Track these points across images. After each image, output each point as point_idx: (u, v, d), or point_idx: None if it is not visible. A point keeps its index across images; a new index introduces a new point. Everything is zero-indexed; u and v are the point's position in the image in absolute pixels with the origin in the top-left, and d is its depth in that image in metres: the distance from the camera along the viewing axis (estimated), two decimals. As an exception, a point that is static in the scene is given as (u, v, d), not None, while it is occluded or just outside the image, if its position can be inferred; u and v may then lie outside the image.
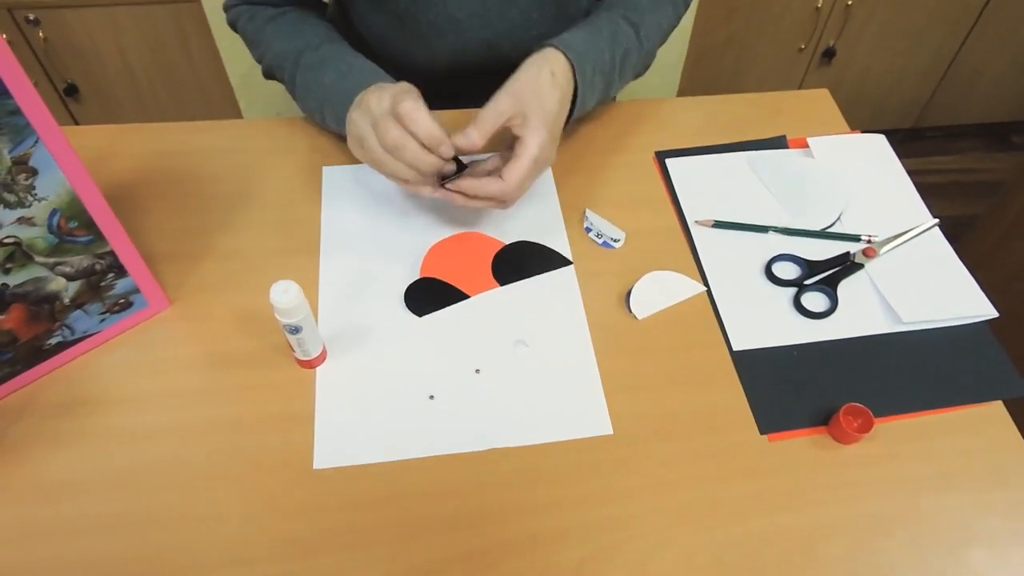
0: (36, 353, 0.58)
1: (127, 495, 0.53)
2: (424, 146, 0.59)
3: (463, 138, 0.60)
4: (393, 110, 0.59)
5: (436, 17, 0.76)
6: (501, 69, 0.64)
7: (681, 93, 1.26)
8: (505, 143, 0.66)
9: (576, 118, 0.70)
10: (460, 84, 0.83)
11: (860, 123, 1.92)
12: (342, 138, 0.67)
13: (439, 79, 0.83)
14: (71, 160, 0.50)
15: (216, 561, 0.50)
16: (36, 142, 0.48)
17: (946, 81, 1.85)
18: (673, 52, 1.17)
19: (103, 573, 0.50)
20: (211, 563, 0.50)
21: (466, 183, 0.62)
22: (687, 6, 0.82)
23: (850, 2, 1.62)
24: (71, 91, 1.59)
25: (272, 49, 0.74)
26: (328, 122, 0.71)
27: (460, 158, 0.63)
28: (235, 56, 1.06)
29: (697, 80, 1.77)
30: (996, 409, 0.59)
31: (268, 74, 0.79)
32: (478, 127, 0.60)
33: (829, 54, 1.74)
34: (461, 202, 0.63)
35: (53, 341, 0.58)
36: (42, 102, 0.47)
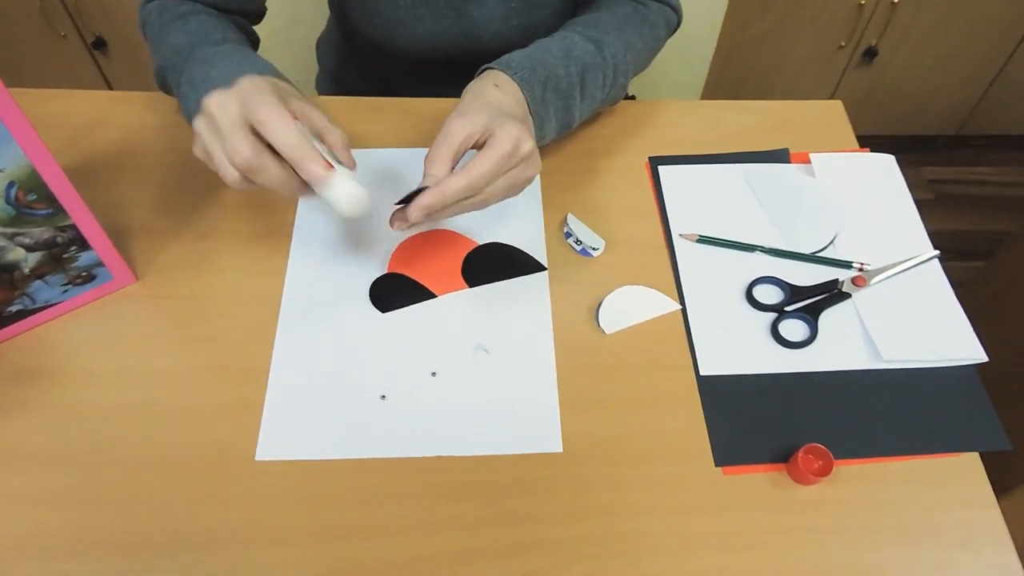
0: (-4, 320, 0.58)
1: (73, 470, 0.54)
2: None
3: (430, 181, 0.52)
4: (245, 117, 0.50)
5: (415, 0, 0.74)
6: (481, 59, 0.62)
7: (708, 90, 1.21)
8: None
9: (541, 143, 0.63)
10: (439, 71, 0.81)
11: (899, 127, 1.85)
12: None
13: (418, 64, 0.82)
14: (28, 134, 0.50)
15: (146, 543, 0.50)
16: (-12, 116, 0.47)
17: (994, 88, 1.75)
18: (701, 47, 1.12)
19: (39, 547, 0.50)
20: (142, 545, 0.50)
21: (428, 197, 0.52)
22: (671, 28, 0.77)
23: (896, 0, 1.54)
24: (99, 45, 1.60)
25: (169, 45, 0.64)
26: None
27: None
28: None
29: (726, 77, 1.71)
30: (971, 462, 0.56)
31: (161, 79, 0.67)
32: (438, 159, 0.53)
33: (871, 54, 1.66)
34: (423, 216, 0.53)
35: (13, 309, 0.58)
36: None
